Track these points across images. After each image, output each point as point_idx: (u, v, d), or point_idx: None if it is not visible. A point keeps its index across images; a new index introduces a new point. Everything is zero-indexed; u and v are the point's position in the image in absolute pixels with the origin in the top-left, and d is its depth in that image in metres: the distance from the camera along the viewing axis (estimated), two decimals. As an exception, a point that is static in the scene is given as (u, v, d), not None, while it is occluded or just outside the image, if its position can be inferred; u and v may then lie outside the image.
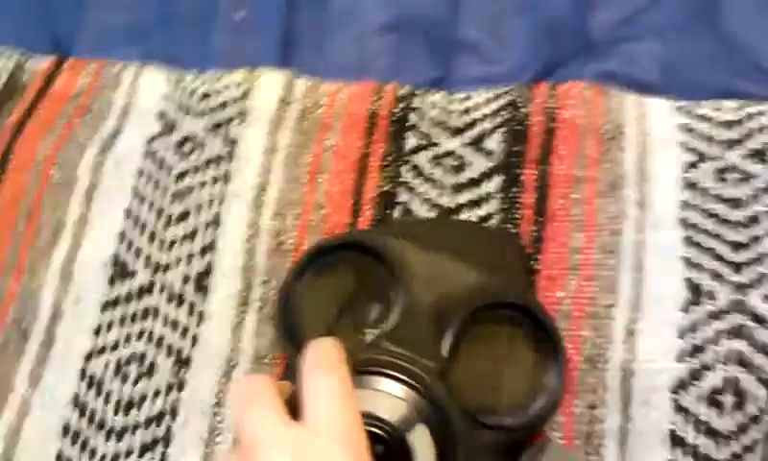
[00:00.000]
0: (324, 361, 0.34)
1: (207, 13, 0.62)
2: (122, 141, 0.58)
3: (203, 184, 0.56)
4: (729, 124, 0.56)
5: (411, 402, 0.38)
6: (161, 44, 0.62)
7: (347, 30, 0.61)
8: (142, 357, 0.52)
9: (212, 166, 0.57)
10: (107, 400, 0.51)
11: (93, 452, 0.49)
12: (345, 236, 0.50)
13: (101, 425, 0.50)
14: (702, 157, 0.54)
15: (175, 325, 0.52)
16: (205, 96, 0.59)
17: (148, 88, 0.61)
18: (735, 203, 0.53)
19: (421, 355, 0.40)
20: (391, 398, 0.38)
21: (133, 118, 0.59)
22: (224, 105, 0.59)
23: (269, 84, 0.60)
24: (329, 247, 0.46)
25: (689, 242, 0.52)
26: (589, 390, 0.48)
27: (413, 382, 0.39)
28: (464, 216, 0.53)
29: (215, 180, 0.56)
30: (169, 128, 0.59)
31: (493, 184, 0.54)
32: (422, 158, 0.56)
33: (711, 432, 0.47)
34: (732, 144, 0.55)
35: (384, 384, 0.38)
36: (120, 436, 0.49)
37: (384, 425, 0.37)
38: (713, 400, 0.48)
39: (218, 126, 0.58)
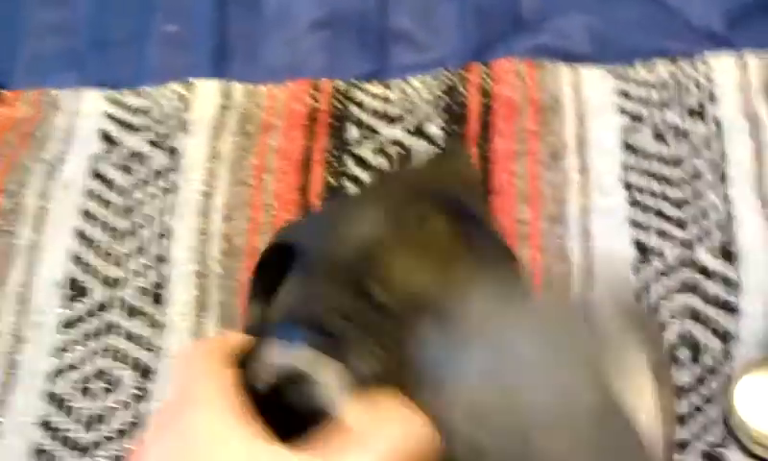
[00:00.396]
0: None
1: (140, 31, 0.66)
2: (68, 164, 0.63)
3: (151, 197, 0.60)
4: (663, 84, 0.60)
5: None
6: (97, 67, 0.67)
7: (279, 33, 0.66)
8: (107, 373, 0.56)
9: (159, 179, 0.61)
10: (77, 419, 0.55)
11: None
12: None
13: (73, 445, 0.54)
14: (639, 119, 0.59)
15: (136, 338, 0.56)
16: (145, 111, 0.63)
17: (88, 110, 0.65)
18: (676, 161, 0.57)
19: None
20: None
21: (77, 140, 0.64)
22: (164, 118, 0.63)
23: (207, 92, 0.64)
24: None
25: (634, 203, 0.57)
26: None
27: None
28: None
29: (163, 191, 0.60)
30: (113, 146, 0.63)
31: None
32: (366, 150, 0.60)
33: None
34: (667, 103, 0.59)
35: None
36: (92, 452, 0.53)
37: None
38: (671, 355, 0.52)
39: (160, 139, 0.62)
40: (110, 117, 0.65)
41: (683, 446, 0.50)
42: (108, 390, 0.55)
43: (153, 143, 0.63)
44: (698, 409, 0.51)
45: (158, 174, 0.61)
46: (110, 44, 0.67)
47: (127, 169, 0.62)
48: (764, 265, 0.54)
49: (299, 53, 0.66)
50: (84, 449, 0.54)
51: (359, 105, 0.62)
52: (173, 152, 0.62)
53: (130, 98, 0.65)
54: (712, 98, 0.60)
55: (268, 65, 0.65)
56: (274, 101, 0.63)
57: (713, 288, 0.54)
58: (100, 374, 0.56)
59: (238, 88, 0.64)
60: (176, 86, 0.64)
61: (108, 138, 0.64)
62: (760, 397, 0.51)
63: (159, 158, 0.62)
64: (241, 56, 0.66)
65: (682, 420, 0.51)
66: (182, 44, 0.66)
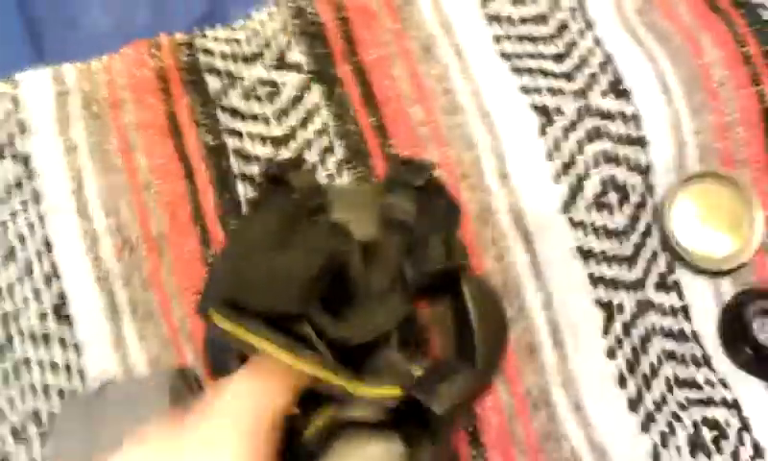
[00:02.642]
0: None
1: None
2: None
3: (14, 215, 0.78)
4: None
5: None
6: None
7: None
8: (36, 415, 0.73)
9: (15, 192, 0.77)
10: None
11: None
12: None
13: None
14: None
15: (54, 367, 0.74)
16: None
17: None
18: (540, 19, 0.82)
19: None
20: None
21: None
22: None
23: (36, 83, 0.82)
24: None
25: (517, 71, 0.82)
26: (490, 243, 0.77)
27: None
28: (300, 138, 0.79)
29: (25, 204, 0.77)
30: None
31: (315, 94, 0.82)
32: (233, 97, 0.81)
33: (610, 233, 0.78)
34: None
35: None
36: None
37: None
38: (600, 203, 0.78)
39: (2, 149, 0.79)
40: None
41: (640, 283, 0.77)
42: (43, 433, 0.73)
43: None
44: (640, 246, 0.78)
45: (13, 187, 0.75)
46: None
47: None
48: (654, 91, 0.80)
49: (119, 13, 0.86)
50: None
51: (208, 53, 0.80)
52: (21, 159, 0.76)
53: None
54: None
55: (88, 35, 0.82)
56: (112, 73, 0.78)
57: (618, 127, 0.80)
58: (29, 417, 0.74)
59: (69, 70, 0.81)
60: None
61: None
62: (690, 217, 0.78)
63: (8, 171, 0.76)
64: (55, 32, 0.82)
65: (629, 260, 0.77)
66: None
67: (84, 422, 0.59)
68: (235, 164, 0.78)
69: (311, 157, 0.79)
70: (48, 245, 0.76)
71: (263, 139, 0.79)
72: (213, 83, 0.81)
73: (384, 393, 0.56)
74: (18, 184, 0.78)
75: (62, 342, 0.75)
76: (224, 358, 0.65)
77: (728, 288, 0.77)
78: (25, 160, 0.79)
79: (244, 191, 0.78)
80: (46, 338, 0.75)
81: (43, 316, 0.75)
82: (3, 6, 0.84)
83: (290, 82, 0.81)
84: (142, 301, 0.75)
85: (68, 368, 0.74)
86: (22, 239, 0.77)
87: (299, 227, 0.64)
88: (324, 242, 0.61)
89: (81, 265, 0.75)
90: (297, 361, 0.55)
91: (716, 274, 0.77)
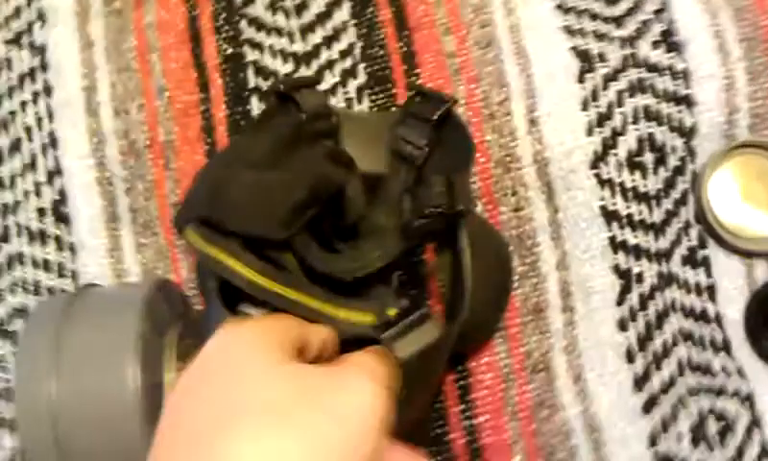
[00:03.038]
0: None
1: None
2: None
3: (24, 105, 0.78)
4: None
5: None
6: None
7: None
8: (24, 310, 0.75)
9: (27, 82, 0.78)
10: (2, 367, 0.74)
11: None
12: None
13: (7, 394, 0.74)
14: None
15: (47, 265, 0.75)
16: None
17: None
18: None
19: None
20: None
21: None
22: (17, 11, 0.80)
23: None
24: None
25: (563, 9, 0.77)
26: (509, 193, 0.74)
27: None
28: (324, 56, 0.77)
29: (35, 95, 0.77)
30: None
31: (345, 12, 0.79)
32: (258, 7, 0.79)
33: (641, 196, 0.74)
34: None
35: None
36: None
37: None
38: (634, 163, 0.74)
39: (18, 36, 0.79)
40: None
41: (666, 255, 0.73)
42: None
43: (10, 42, 0.79)
44: (672, 214, 0.74)
45: (26, 77, 0.78)
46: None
47: None
48: (709, 49, 0.75)
49: None
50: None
51: (239, -44, 0.78)
52: (37, 49, 0.77)
53: None
54: None
55: None
56: (139, -32, 0.78)
57: (665, 83, 0.76)
58: (16, 313, 0.75)
59: None
60: None
61: None
62: (730, 190, 0.74)
63: (22, 59, 0.78)
64: None
65: (657, 228, 0.74)
66: None
67: (54, 322, 0.60)
68: (252, 78, 0.77)
69: (332, 77, 0.76)
70: (54, 140, 0.76)
71: (284, 54, 0.77)
72: (239, -11, 0.78)
73: (356, 318, 0.56)
74: (31, 74, 0.78)
75: (58, 240, 0.75)
76: (204, 279, 0.67)
77: (761, 273, 0.73)
78: (41, 51, 0.78)
79: (258, 107, 0.76)
80: (42, 234, 0.75)
81: (42, 212, 0.76)
82: None
83: (317, -5, 0.78)
84: (143, 209, 0.75)
85: (61, 267, 0.75)
86: (29, 131, 0.77)
87: (295, 149, 0.62)
88: (316, 166, 0.60)
89: (84, 164, 0.75)
90: (270, 284, 0.55)
91: (751, 255, 0.73)
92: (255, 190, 0.58)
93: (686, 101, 0.75)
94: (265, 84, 0.77)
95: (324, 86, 0.76)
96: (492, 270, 0.67)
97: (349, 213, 0.65)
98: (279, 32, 0.78)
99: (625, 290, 0.72)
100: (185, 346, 0.60)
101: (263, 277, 0.55)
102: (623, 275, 0.73)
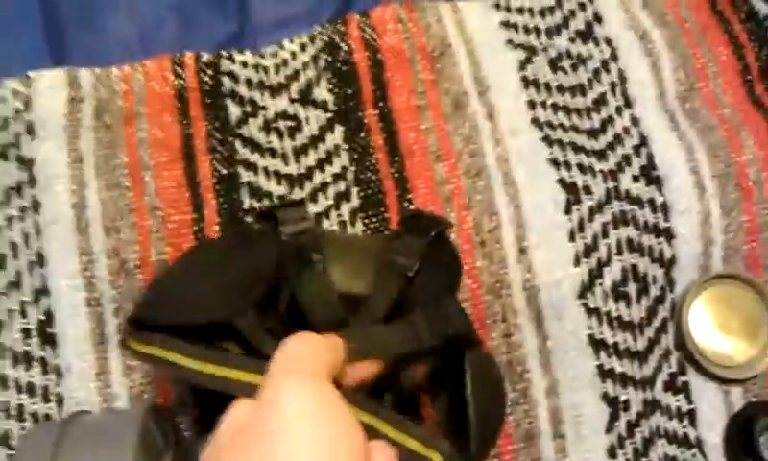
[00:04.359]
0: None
1: None
2: None
3: (10, 220, 0.74)
4: (548, 10, 0.82)
5: None
6: None
7: (117, 1, 0.80)
8: (6, 437, 0.69)
9: (14, 197, 0.74)
10: None
11: None
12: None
13: None
14: (533, 51, 0.80)
15: (31, 389, 0.70)
16: None
17: None
18: (578, 89, 0.76)
19: None
20: None
21: None
22: (5, 123, 0.75)
23: (50, 84, 0.77)
24: None
25: (548, 141, 0.77)
26: (499, 319, 0.73)
27: None
28: (317, 179, 0.75)
29: (23, 211, 0.73)
30: None
31: (337, 136, 0.77)
32: (253, 128, 0.77)
33: (625, 325, 0.73)
34: (556, 30, 0.80)
35: None
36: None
37: None
38: (619, 293, 0.74)
39: (6, 149, 0.75)
40: None
41: (650, 382, 0.72)
42: (11, 457, 0.69)
43: None
44: (654, 342, 0.74)
45: (13, 191, 0.72)
46: None
47: None
48: (686, 183, 0.75)
49: (144, 22, 0.81)
50: None
51: (233, 77, 0.76)
52: (24, 162, 0.72)
53: None
54: (598, 18, 0.82)
55: (114, 41, 0.77)
56: (131, 84, 0.75)
57: (646, 215, 0.75)
58: (1, 437, 0.69)
59: (85, 75, 0.77)
60: (11, 83, 0.75)
61: None
62: (709, 318, 0.74)
63: (10, 173, 0.73)
64: (76, 34, 0.79)
65: (641, 356, 0.73)
66: (3, 30, 0.76)
67: (47, 450, 0.56)
68: (246, 198, 0.74)
69: (326, 200, 0.74)
70: (41, 258, 0.72)
71: (279, 176, 0.75)
72: (234, 109, 0.76)
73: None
74: (19, 189, 0.73)
75: (43, 362, 0.70)
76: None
77: (738, 398, 0.73)
78: (29, 165, 0.74)
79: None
80: (27, 356, 0.70)
81: (27, 333, 0.71)
82: (25, 2, 0.80)
83: (313, 119, 0.76)
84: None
85: (46, 390, 0.69)
86: (15, 248, 0.72)
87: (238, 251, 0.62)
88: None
89: (73, 284, 0.71)
90: (222, 370, 0.53)
91: (728, 381, 0.73)
92: (189, 284, 0.58)
93: (666, 233, 0.75)
94: (258, 205, 0.73)
95: (317, 209, 0.74)
96: (491, 394, 0.65)
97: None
98: (273, 153, 0.76)
99: (613, 418, 0.71)
100: None
101: (212, 363, 0.54)
102: (611, 402, 0.72)
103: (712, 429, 0.73)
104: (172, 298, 0.58)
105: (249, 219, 0.73)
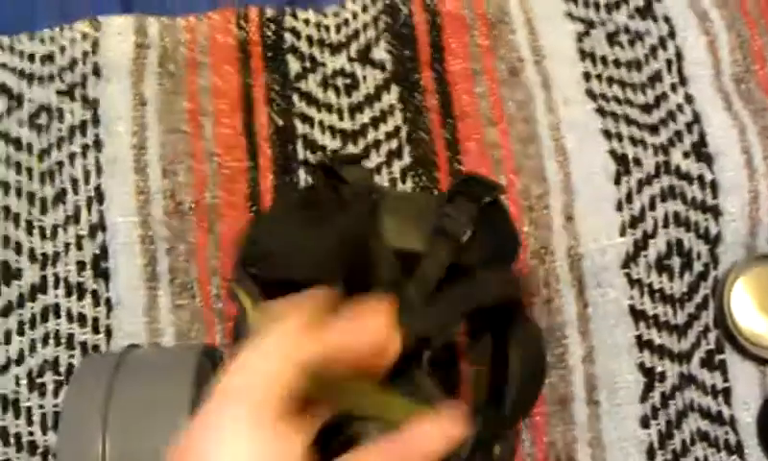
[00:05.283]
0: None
1: None
2: None
3: (72, 157, 0.74)
4: None
5: None
6: None
7: None
8: (55, 363, 0.70)
9: (78, 134, 0.75)
10: (29, 420, 0.69)
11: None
12: None
13: (32, 449, 0.69)
14: (591, 24, 0.79)
15: (82, 319, 0.70)
16: (49, 57, 0.77)
17: None
18: (634, 64, 0.75)
19: None
20: None
21: None
22: (72, 63, 0.77)
23: (118, 30, 0.78)
24: None
25: (602, 112, 0.76)
26: (541, 283, 0.72)
27: None
28: (370, 136, 0.75)
29: (85, 148, 0.74)
30: (16, 101, 0.76)
31: (393, 95, 0.77)
32: (311, 83, 0.77)
33: (667, 299, 0.72)
34: (616, 5, 0.79)
35: None
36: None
37: None
38: (662, 265, 0.73)
39: (72, 88, 0.76)
40: (7, 68, 0.77)
41: (687, 356, 0.71)
42: (59, 383, 0.70)
43: (63, 93, 0.76)
44: (694, 317, 0.72)
45: (77, 129, 0.74)
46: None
47: (38, 126, 0.74)
48: (737, 162, 0.74)
49: None
50: (44, 454, 0.69)
51: (295, 33, 0.77)
52: (89, 103, 0.73)
53: (27, 44, 0.77)
54: None
55: None
56: (195, 34, 0.76)
57: (694, 191, 0.74)
58: (48, 364, 0.70)
59: (153, 23, 0.78)
60: (81, 26, 0.77)
61: (7, 92, 0.77)
62: (751, 298, 0.72)
63: (74, 112, 0.75)
64: None
65: (680, 330, 0.72)
66: None
67: (103, 379, 0.56)
68: (301, 150, 0.74)
69: (378, 157, 0.74)
70: (100, 195, 0.73)
71: (333, 131, 0.75)
72: (294, 64, 0.77)
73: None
74: (82, 127, 0.75)
75: (95, 295, 0.71)
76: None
77: (775, 380, 0.72)
78: (93, 105, 0.75)
79: (304, 178, 0.74)
80: (80, 287, 0.71)
81: (81, 265, 0.72)
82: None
83: (370, 78, 0.76)
84: (182, 270, 0.71)
85: (96, 322, 0.70)
86: (75, 183, 0.73)
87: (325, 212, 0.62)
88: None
89: (128, 221, 0.72)
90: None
91: (765, 362, 0.71)
92: (288, 239, 0.58)
93: (713, 210, 0.74)
94: (313, 158, 0.74)
95: (369, 165, 0.74)
96: (532, 360, 0.64)
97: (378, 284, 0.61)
98: (330, 108, 0.76)
99: (648, 388, 0.70)
100: None
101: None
102: (647, 373, 0.71)
103: (747, 409, 0.71)
104: (273, 251, 0.57)
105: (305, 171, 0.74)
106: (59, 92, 0.76)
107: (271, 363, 0.40)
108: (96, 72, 0.76)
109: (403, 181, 0.74)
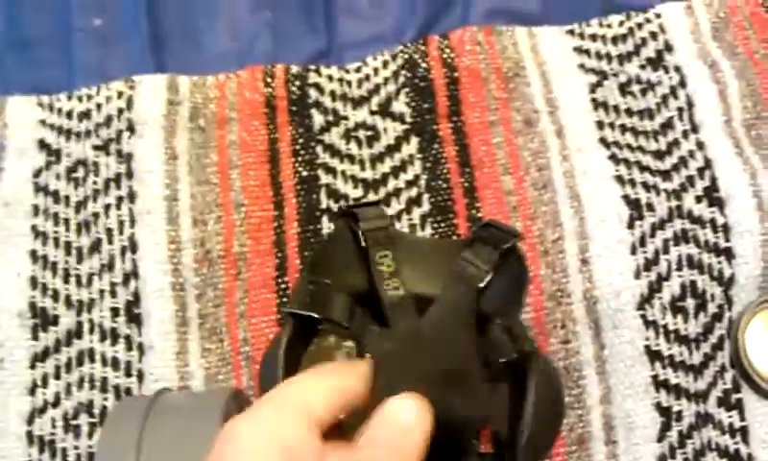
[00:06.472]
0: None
1: (62, 28, 0.84)
2: (6, 181, 0.79)
3: (107, 208, 0.77)
4: (620, 38, 0.81)
5: None
6: (19, 71, 0.83)
7: (217, 18, 0.85)
8: (90, 405, 0.72)
9: (112, 187, 0.77)
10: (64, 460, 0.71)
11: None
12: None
13: None
14: (603, 76, 0.81)
15: (115, 363, 0.73)
16: (86, 114, 0.80)
17: (20, 118, 0.81)
18: (646, 113, 0.77)
19: None
20: None
21: (12, 154, 0.80)
22: (108, 120, 0.80)
23: (151, 88, 0.81)
24: None
25: (615, 159, 0.78)
26: (559, 326, 0.73)
27: None
28: (391, 185, 0.77)
29: (119, 200, 0.77)
30: (55, 156, 0.79)
31: (412, 146, 0.79)
32: (334, 135, 0.80)
33: (682, 339, 0.73)
34: (627, 57, 0.80)
35: None
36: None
37: None
38: (677, 307, 0.73)
39: (107, 143, 0.79)
40: (47, 124, 0.81)
41: (703, 396, 0.72)
42: (93, 425, 0.72)
43: (99, 148, 0.79)
44: (710, 358, 0.73)
45: (111, 182, 0.76)
46: (31, 45, 0.82)
47: (74, 180, 0.78)
48: (747, 205, 0.75)
49: (240, 37, 0.85)
50: None
51: (318, 89, 0.79)
52: (124, 157, 0.76)
53: (65, 102, 0.80)
54: (669, 47, 0.82)
55: (211, 53, 0.82)
56: (224, 91, 0.78)
57: (707, 235, 0.75)
58: (82, 407, 0.72)
59: (184, 81, 0.80)
60: (115, 85, 0.79)
61: (46, 148, 0.80)
62: (764, 338, 0.72)
63: (109, 166, 0.77)
64: (178, 46, 0.84)
65: (696, 370, 0.72)
66: (114, 38, 0.82)
67: (136, 420, 0.58)
68: (324, 199, 0.76)
69: (398, 205, 0.76)
70: (133, 244, 0.75)
71: (355, 180, 0.77)
72: (318, 118, 0.79)
73: None
74: (117, 180, 0.77)
75: (128, 340, 0.73)
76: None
77: (793, 419, 0.72)
78: (127, 159, 0.78)
79: (328, 226, 0.76)
80: (114, 333, 0.73)
81: (115, 312, 0.74)
82: (133, 13, 0.84)
83: (391, 130, 0.79)
84: (211, 316, 0.73)
85: (129, 366, 0.72)
86: (110, 233, 0.75)
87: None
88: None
89: (160, 270, 0.74)
90: None
91: (783, 402, 0.72)
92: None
93: (726, 253, 0.74)
94: (335, 206, 0.76)
95: (390, 212, 0.76)
96: (550, 405, 0.64)
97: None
98: (352, 159, 0.78)
99: (665, 427, 0.71)
100: None
101: None
102: (664, 412, 0.71)
103: (765, 447, 0.71)
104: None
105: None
106: (94, 147, 0.79)
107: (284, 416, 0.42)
108: (130, 128, 0.79)
109: (423, 228, 0.76)
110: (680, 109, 0.79)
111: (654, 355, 0.72)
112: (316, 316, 0.58)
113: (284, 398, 0.44)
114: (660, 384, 0.71)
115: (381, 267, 0.64)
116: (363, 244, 0.64)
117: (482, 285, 0.63)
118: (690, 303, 0.73)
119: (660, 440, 0.70)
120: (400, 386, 0.49)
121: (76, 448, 0.71)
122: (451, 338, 0.59)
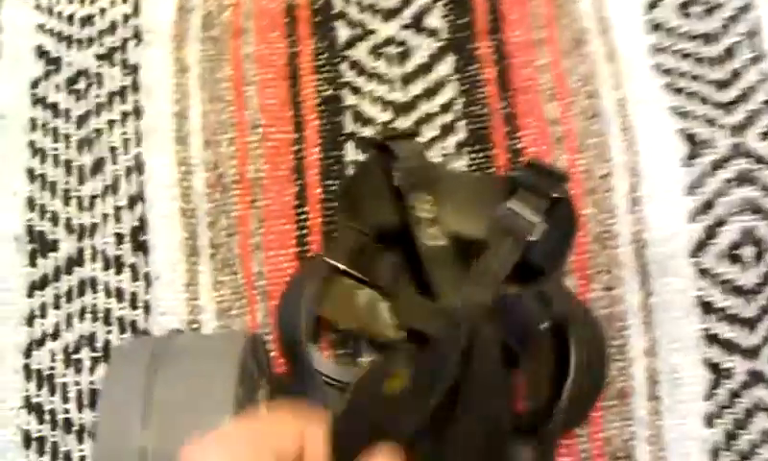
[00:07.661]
0: None
1: None
2: (0, 93, 0.72)
3: (111, 124, 0.71)
4: None
5: None
6: None
7: None
8: (92, 338, 0.67)
9: (117, 101, 0.71)
10: (65, 397, 0.66)
11: (68, 458, 0.65)
12: None
13: (67, 426, 0.66)
14: None
15: (119, 293, 0.67)
16: (88, 19, 0.73)
17: (16, 23, 0.74)
18: (706, 38, 0.69)
19: None
20: None
21: (8, 61, 0.73)
22: (113, 26, 0.73)
23: None
24: None
25: (671, 89, 0.70)
26: (603, 271, 0.67)
27: None
28: (423, 108, 0.70)
29: (124, 116, 0.71)
30: (54, 65, 0.73)
31: (447, 66, 0.71)
32: (361, 51, 0.72)
33: (737, 290, 0.66)
34: None
35: None
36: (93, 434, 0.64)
37: None
38: (733, 255, 0.67)
39: (112, 52, 0.72)
40: (44, 30, 0.74)
41: (754, 351, 0.65)
42: (96, 359, 0.66)
43: (102, 57, 0.72)
44: (765, 310, 0.66)
45: (116, 95, 0.71)
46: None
47: (76, 92, 0.71)
48: None
49: None
50: (79, 432, 0.66)
51: (344, -2, 0.71)
52: (130, 68, 0.71)
53: (65, 5, 0.74)
54: None
55: None
56: (240, -2, 0.71)
57: None
58: (84, 340, 0.67)
59: None
60: None
61: (46, 56, 0.73)
62: None
63: (114, 77, 0.72)
64: None
65: (750, 324, 0.66)
66: None
67: (146, 361, 0.53)
68: (348, 122, 0.69)
69: (430, 131, 0.69)
70: (139, 164, 0.69)
71: (383, 102, 0.70)
72: (343, 31, 0.72)
73: None
74: (122, 94, 0.71)
75: (133, 268, 0.67)
76: (291, 341, 0.60)
77: None
78: (133, 70, 0.71)
79: (353, 152, 0.69)
80: (118, 261, 0.67)
81: (119, 238, 0.68)
82: None
83: (423, 46, 0.71)
84: (224, 245, 0.67)
85: (134, 297, 0.67)
86: (114, 152, 0.69)
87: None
88: None
89: (169, 193, 0.68)
90: None
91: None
92: None
93: (790, 197, 0.67)
94: (362, 131, 0.69)
95: (422, 140, 0.69)
96: (592, 363, 0.59)
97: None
98: (380, 78, 0.71)
99: (715, 385, 0.65)
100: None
101: None
102: (714, 369, 0.65)
103: (821, 408, 0.66)
104: None
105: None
106: (97, 56, 0.72)
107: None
108: (137, 36, 0.72)
109: (458, 158, 0.69)
110: (745, 34, 0.71)
111: (706, 307, 0.66)
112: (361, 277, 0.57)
113: (261, 442, 0.40)
114: (710, 338, 0.65)
115: (420, 213, 0.59)
116: (397, 183, 0.60)
117: (533, 238, 0.59)
118: (748, 250, 0.67)
119: (707, 398, 0.65)
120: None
121: (77, 383, 0.66)
122: None
